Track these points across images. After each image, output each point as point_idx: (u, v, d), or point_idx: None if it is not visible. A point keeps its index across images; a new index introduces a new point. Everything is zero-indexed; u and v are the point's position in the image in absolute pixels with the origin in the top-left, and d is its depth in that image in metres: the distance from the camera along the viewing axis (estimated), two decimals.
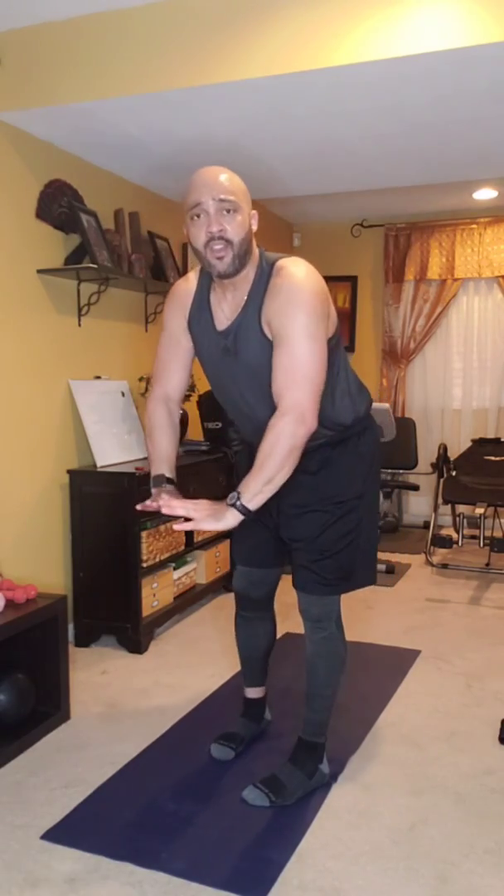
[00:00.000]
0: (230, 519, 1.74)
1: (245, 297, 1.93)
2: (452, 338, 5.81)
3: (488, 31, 2.28)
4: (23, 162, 3.10)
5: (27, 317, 3.15)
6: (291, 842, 1.92)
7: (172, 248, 4.14)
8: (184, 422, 3.84)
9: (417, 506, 6.03)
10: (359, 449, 2.11)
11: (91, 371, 3.58)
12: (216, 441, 4.13)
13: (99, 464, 3.38)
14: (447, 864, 1.83)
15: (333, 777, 2.22)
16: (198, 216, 1.83)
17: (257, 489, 1.75)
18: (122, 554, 3.24)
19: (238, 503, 1.75)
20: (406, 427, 5.55)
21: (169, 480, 2.01)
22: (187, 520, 1.77)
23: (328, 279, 6.10)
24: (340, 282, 6.11)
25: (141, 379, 3.85)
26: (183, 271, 4.35)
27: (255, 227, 1.92)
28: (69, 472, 3.33)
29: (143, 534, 3.24)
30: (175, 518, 1.85)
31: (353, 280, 6.07)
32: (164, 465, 2.04)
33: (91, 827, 1.99)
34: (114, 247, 3.48)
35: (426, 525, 5.56)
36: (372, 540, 2.17)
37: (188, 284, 2.09)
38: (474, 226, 5.55)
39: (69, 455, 3.42)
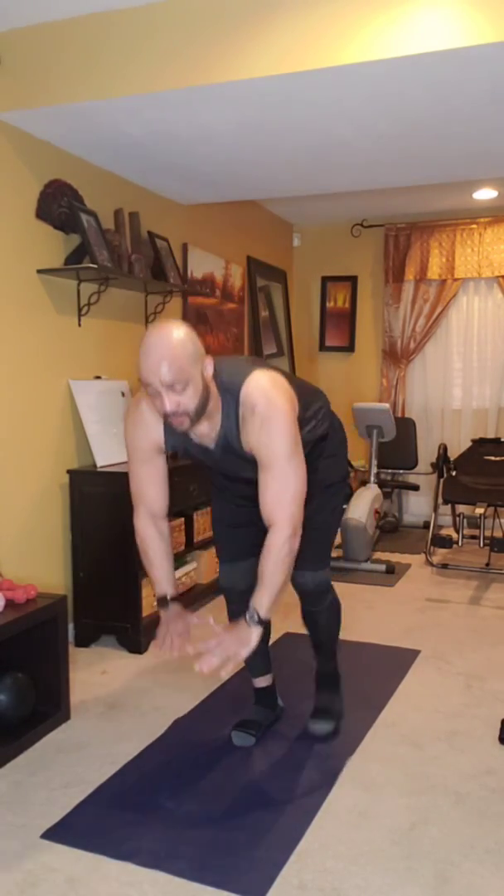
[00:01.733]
0: (255, 637, 1.95)
1: (219, 426, 2.01)
2: (452, 338, 5.81)
3: (489, 32, 2.28)
4: (23, 162, 3.10)
5: (27, 317, 3.15)
6: (291, 842, 1.92)
7: (172, 248, 4.14)
8: None
9: (417, 506, 6.04)
10: (337, 436, 2.38)
11: (91, 371, 3.58)
12: None
13: (99, 464, 3.38)
14: (447, 864, 1.83)
15: (334, 775, 2.22)
16: (152, 391, 1.86)
17: (270, 602, 1.97)
18: (122, 554, 3.24)
19: (257, 619, 1.95)
20: (406, 427, 5.55)
21: (174, 599, 2.18)
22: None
23: (328, 279, 6.11)
24: (340, 282, 6.11)
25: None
26: (183, 271, 4.35)
27: (209, 372, 1.93)
28: (69, 472, 3.33)
29: None
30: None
31: (353, 280, 6.07)
32: (165, 584, 2.19)
33: (91, 827, 1.99)
34: (114, 247, 3.48)
35: (426, 525, 5.56)
36: (337, 514, 2.54)
37: (150, 415, 2.07)
38: (474, 226, 5.55)
39: (69, 455, 3.42)
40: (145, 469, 2.12)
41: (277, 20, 2.50)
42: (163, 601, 2.18)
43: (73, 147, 3.31)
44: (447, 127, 3.06)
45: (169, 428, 2.05)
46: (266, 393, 1.95)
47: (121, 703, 2.75)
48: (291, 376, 2.18)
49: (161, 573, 2.19)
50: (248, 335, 5.33)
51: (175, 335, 1.84)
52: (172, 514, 3.52)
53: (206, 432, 2.02)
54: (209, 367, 1.93)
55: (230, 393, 1.97)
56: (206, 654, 1.92)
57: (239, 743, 2.41)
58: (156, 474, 2.13)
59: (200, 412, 1.91)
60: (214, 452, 2.08)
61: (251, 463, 2.03)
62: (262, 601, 1.97)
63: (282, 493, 1.95)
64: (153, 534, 2.18)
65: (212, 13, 2.57)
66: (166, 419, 1.91)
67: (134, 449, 2.11)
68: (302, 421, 2.11)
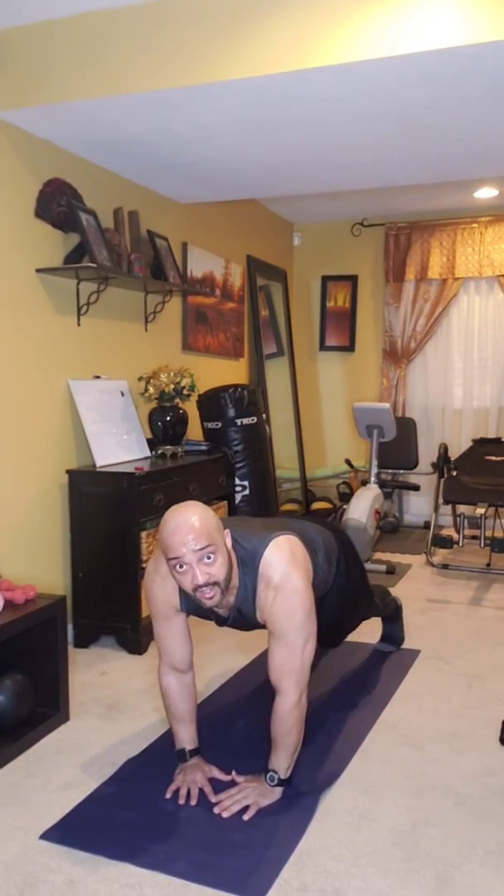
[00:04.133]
0: (278, 793, 2.08)
1: (234, 600, 2.03)
2: (453, 337, 5.80)
3: (489, 30, 2.27)
4: (22, 161, 3.09)
5: (26, 316, 3.15)
6: (291, 843, 1.91)
7: (172, 247, 4.13)
8: (184, 422, 3.83)
9: (418, 506, 6.03)
10: (345, 562, 2.45)
11: (90, 370, 3.58)
12: (216, 441, 4.13)
13: (98, 464, 3.37)
14: (448, 865, 1.83)
15: (335, 775, 2.21)
16: (180, 566, 1.87)
17: (287, 763, 2.08)
18: (122, 554, 3.23)
19: (277, 781, 2.08)
20: (406, 427, 5.54)
21: (192, 752, 2.22)
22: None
23: (328, 278, 6.10)
24: (340, 281, 6.11)
25: (140, 378, 3.84)
26: (182, 271, 4.34)
27: (230, 544, 1.97)
28: (68, 472, 3.32)
29: (143, 534, 3.23)
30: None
31: (353, 279, 6.06)
32: (186, 739, 2.22)
33: (91, 827, 1.98)
34: (113, 246, 3.47)
35: (427, 525, 5.55)
36: (364, 587, 2.68)
37: (169, 589, 2.08)
38: (475, 225, 5.55)
39: (68, 455, 3.41)
40: (166, 626, 2.15)
41: (277, 18, 2.49)
42: (182, 754, 2.22)
43: (72, 146, 3.30)
44: (447, 126, 3.05)
45: (184, 596, 2.06)
46: (284, 568, 1.97)
47: (120, 704, 2.74)
48: (304, 530, 2.22)
49: (182, 727, 2.22)
50: (248, 335, 5.32)
51: (196, 508, 1.90)
52: None
53: (224, 604, 2.03)
54: (228, 539, 1.97)
55: (248, 565, 2.00)
56: (226, 799, 2.05)
57: None
58: (177, 631, 2.16)
59: (228, 583, 1.93)
60: (227, 619, 2.10)
61: (262, 625, 2.07)
62: (280, 764, 2.07)
63: (290, 661, 2.00)
64: (175, 688, 2.20)
65: (211, 11, 2.56)
66: (195, 594, 1.90)
67: (155, 608, 2.13)
68: (316, 586, 2.16)
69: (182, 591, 2.04)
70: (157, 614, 2.14)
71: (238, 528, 2.07)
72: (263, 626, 2.07)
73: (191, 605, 2.09)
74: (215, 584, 1.88)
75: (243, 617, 2.07)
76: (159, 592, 2.10)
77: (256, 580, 1.99)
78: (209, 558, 1.87)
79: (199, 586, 1.87)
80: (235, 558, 1.99)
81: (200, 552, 1.85)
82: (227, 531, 1.99)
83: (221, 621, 2.12)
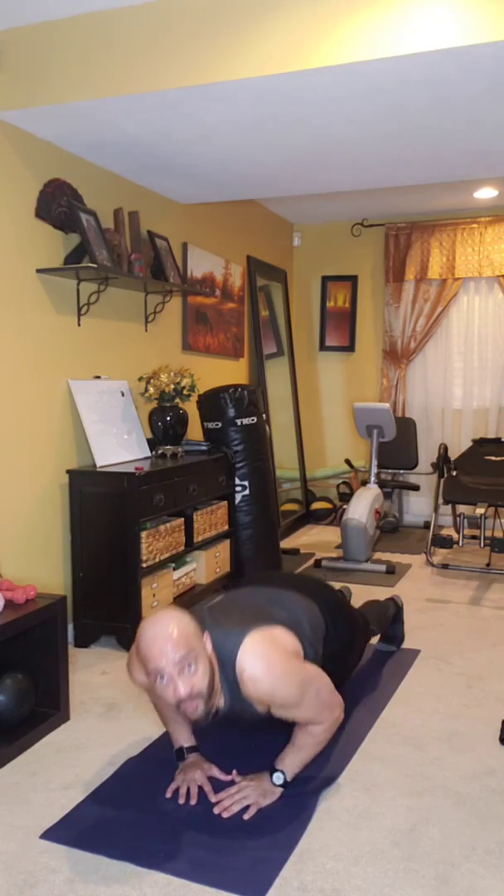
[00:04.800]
0: (278, 792, 2.08)
1: (223, 703, 2.00)
2: (453, 337, 5.80)
3: (489, 30, 2.27)
4: (22, 161, 3.09)
5: (26, 316, 3.15)
6: (291, 842, 1.91)
7: (172, 248, 4.14)
8: (184, 422, 3.84)
9: (418, 506, 6.03)
10: (339, 637, 2.45)
11: (91, 371, 3.58)
12: (216, 441, 4.13)
13: (98, 464, 3.37)
14: (448, 865, 1.83)
15: (335, 775, 2.21)
16: (161, 678, 1.84)
17: (299, 768, 2.11)
18: (122, 554, 3.23)
19: (283, 782, 2.08)
20: (406, 427, 5.55)
21: (190, 749, 2.22)
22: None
23: (328, 278, 6.10)
24: (340, 281, 6.11)
25: (140, 379, 3.84)
26: (183, 271, 4.34)
27: (209, 648, 1.94)
28: (69, 472, 3.32)
29: (143, 534, 3.23)
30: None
31: (353, 280, 6.07)
32: (182, 738, 2.22)
33: (91, 827, 1.98)
34: (113, 246, 3.47)
35: (427, 525, 5.56)
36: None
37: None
38: (475, 225, 5.55)
39: (69, 455, 3.42)
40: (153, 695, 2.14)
41: (277, 19, 2.49)
42: (180, 753, 2.22)
43: (73, 146, 3.31)
44: (447, 127, 3.05)
45: None
46: (261, 675, 1.92)
47: (121, 704, 2.75)
48: (292, 615, 2.22)
49: (176, 727, 2.22)
50: (248, 335, 5.33)
51: (172, 617, 1.87)
52: (172, 514, 3.54)
53: (210, 707, 1.97)
54: (208, 643, 1.94)
55: (226, 667, 1.96)
56: (226, 799, 2.04)
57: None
58: None
59: (210, 692, 1.89)
60: (214, 720, 2.02)
61: (268, 716, 2.04)
62: (292, 768, 2.09)
63: (311, 712, 2.02)
64: None
65: (212, 12, 2.56)
66: (179, 706, 1.85)
67: (136, 683, 2.07)
68: (311, 657, 2.20)
69: None
70: (139, 686, 2.08)
71: (216, 625, 2.03)
72: (269, 715, 2.03)
73: None
74: (198, 695, 1.85)
75: (240, 715, 2.04)
76: (139, 675, 2.04)
77: (238, 685, 1.96)
78: (190, 667, 1.83)
79: (182, 699, 1.83)
80: (216, 662, 1.96)
81: (181, 662, 1.82)
82: (206, 634, 1.95)
83: (210, 723, 2.02)
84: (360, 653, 2.63)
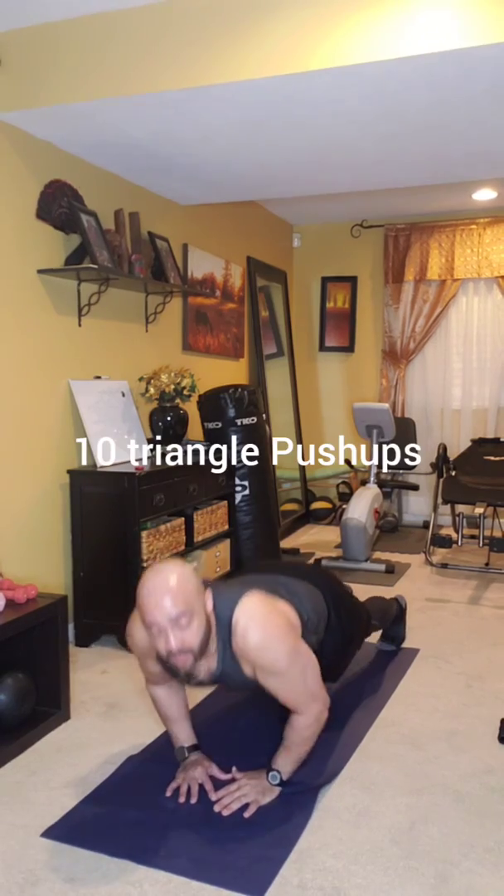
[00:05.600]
0: (277, 790, 2.09)
1: (215, 665, 2.02)
2: (452, 338, 5.81)
3: (489, 32, 2.28)
4: (23, 162, 3.10)
5: (27, 317, 3.16)
6: (291, 841, 1.92)
7: (172, 249, 4.14)
8: (184, 422, 3.84)
9: (417, 506, 6.04)
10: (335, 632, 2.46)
11: (91, 371, 3.59)
12: (216, 441, 4.14)
13: (99, 464, 3.38)
14: (447, 863, 1.84)
15: (334, 773, 2.22)
16: (155, 629, 1.85)
17: (293, 767, 2.11)
18: (123, 554, 3.24)
19: (279, 781, 2.09)
20: (406, 427, 5.56)
21: (191, 748, 2.22)
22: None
23: (328, 279, 6.11)
24: (340, 282, 6.12)
25: (141, 379, 3.85)
26: (183, 272, 4.35)
27: (209, 606, 1.94)
28: (69, 472, 3.33)
29: (144, 533, 3.24)
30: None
31: (352, 280, 6.07)
32: (182, 737, 2.23)
33: (91, 825, 1.99)
34: (114, 247, 3.48)
35: (426, 525, 5.57)
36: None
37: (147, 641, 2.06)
38: (474, 226, 5.56)
39: (69, 455, 3.43)
40: (144, 660, 2.14)
41: (277, 21, 2.50)
42: (181, 752, 2.22)
43: (74, 147, 3.32)
44: (447, 127, 3.06)
45: None
46: (257, 633, 1.93)
47: (121, 703, 2.75)
48: (288, 586, 2.24)
49: (176, 726, 2.23)
50: (248, 335, 5.34)
51: (175, 570, 1.86)
52: (173, 513, 3.55)
53: (204, 670, 2.01)
54: (209, 601, 1.94)
55: (222, 625, 1.97)
56: (226, 797, 2.05)
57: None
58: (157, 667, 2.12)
59: (203, 649, 1.90)
60: (204, 681, 2.06)
61: (254, 682, 2.04)
62: (286, 767, 2.09)
63: (295, 690, 2.01)
64: (163, 694, 2.21)
65: (212, 14, 2.57)
66: (169, 659, 1.87)
67: (134, 645, 2.11)
68: (307, 633, 2.19)
69: None
70: (135, 651, 2.12)
71: (218, 588, 2.04)
72: (256, 683, 2.04)
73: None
74: (189, 650, 1.85)
75: (229, 678, 2.05)
76: (138, 634, 2.07)
77: (231, 644, 1.96)
78: (184, 621, 1.83)
79: (172, 652, 1.84)
80: (214, 621, 1.96)
81: (176, 616, 1.82)
82: (209, 591, 1.96)
83: (198, 684, 2.07)
84: (358, 644, 2.64)
